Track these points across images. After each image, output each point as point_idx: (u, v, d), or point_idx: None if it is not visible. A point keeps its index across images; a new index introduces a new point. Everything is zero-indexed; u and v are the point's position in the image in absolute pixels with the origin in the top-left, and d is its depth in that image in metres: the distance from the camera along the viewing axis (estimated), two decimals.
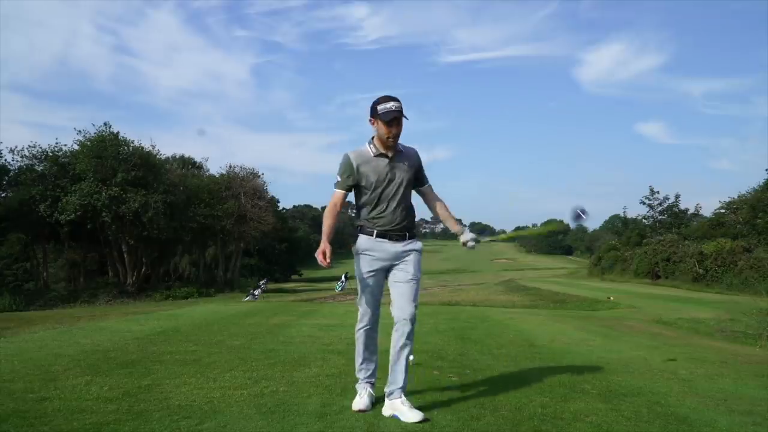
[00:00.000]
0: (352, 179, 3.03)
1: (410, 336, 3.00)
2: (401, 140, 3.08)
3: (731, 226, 32.38)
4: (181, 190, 31.02)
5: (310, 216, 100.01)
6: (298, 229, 71.14)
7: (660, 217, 41.99)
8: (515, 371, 4.23)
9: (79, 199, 25.66)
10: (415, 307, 3.03)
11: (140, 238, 28.48)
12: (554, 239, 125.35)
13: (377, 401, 3.10)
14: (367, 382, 3.14)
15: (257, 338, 5.75)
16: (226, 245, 37.48)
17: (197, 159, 39.74)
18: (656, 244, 33.87)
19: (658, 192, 41.57)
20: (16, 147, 27.44)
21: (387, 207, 3.06)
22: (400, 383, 2.97)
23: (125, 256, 29.41)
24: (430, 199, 3.36)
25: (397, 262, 3.08)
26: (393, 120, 2.93)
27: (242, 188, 34.82)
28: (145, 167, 28.13)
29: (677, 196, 41.31)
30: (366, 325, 3.10)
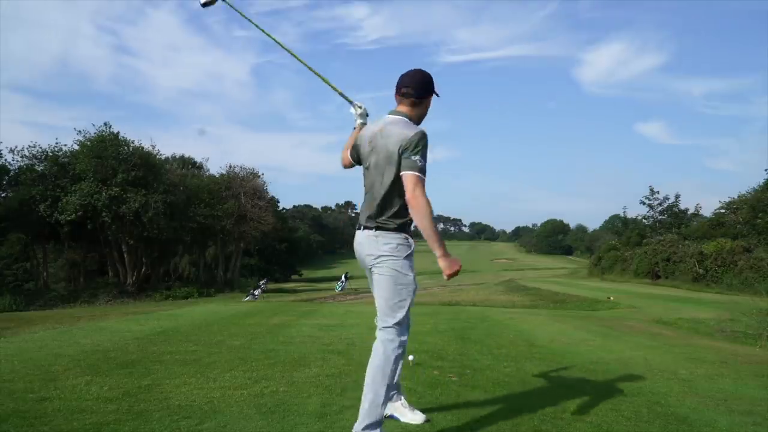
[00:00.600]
0: None
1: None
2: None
3: (731, 226, 32.38)
4: (181, 190, 31.02)
5: (310, 216, 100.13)
6: (298, 229, 71.20)
7: (660, 217, 42.01)
8: (515, 371, 4.23)
9: (79, 199, 25.66)
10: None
11: (140, 238, 28.49)
12: (554, 239, 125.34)
13: None
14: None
15: (257, 338, 5.74)
16: (226, 245, 37.48)
17: (197, 159, 39.88)
18: (656, 244, 33.87)
19: (658, 192, 41.69)
20: (16, 147, 27.51)
21: None
22: (399, 385, 2.93)
23: (125, 256, 29.40)
24: None
25: None
26: None
27: (242, 188, 34.83)
28: (145, 167, 28.13)
29: (677, 196, 41.42)
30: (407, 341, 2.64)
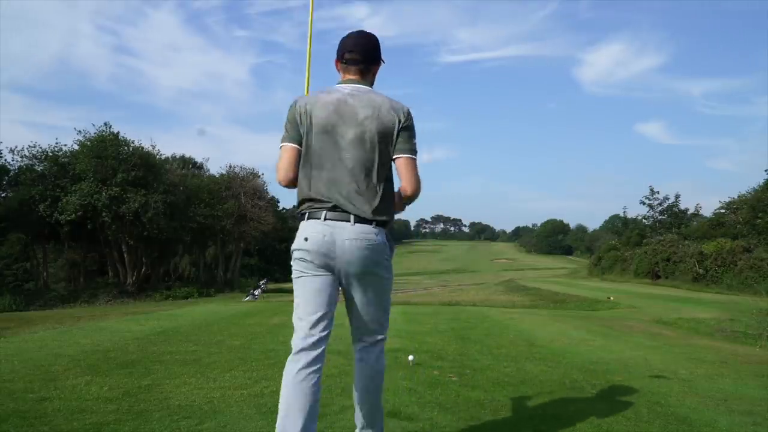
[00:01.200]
0: None
1: None
2: None
3: (731, 226, 32.38)
4: (181, 190, 31.02)
5: None
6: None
7: (660, 217, 42.03)
8: (515, 371, 4.23)
9: (79, 199, 25.66)
10: None
11: (140, 238, 28.48)
12: (554, 239, 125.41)
13: None
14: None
15: (257, 338, 5.75)
16: (226, 245, 37.48)
17: (197, 159, 39.90)
18: (656, 244, 33.87)
19: (658, 192, 41.73)
20: (16, 147, 27.62)
21: None
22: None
23: (125, 256, 29.41)
24: None
25: None
26: None
27: (242, 188, 34.84)
28: (145, 167, 28.13)
29: (677, 196, 41.45)
30: None
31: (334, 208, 2.07)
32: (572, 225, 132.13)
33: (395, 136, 2.13)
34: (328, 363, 4.26)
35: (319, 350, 2.10)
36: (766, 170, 38.49)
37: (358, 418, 2.31)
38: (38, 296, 26.00)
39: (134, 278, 29.59)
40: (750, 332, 7.81)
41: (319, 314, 2.12)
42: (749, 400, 3.55)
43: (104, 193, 26.00)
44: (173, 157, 37.83)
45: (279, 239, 51.01)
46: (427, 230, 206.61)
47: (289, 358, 2.11)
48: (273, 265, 51.97)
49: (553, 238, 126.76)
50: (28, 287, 29.25)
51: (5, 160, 27.03)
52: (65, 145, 28.49)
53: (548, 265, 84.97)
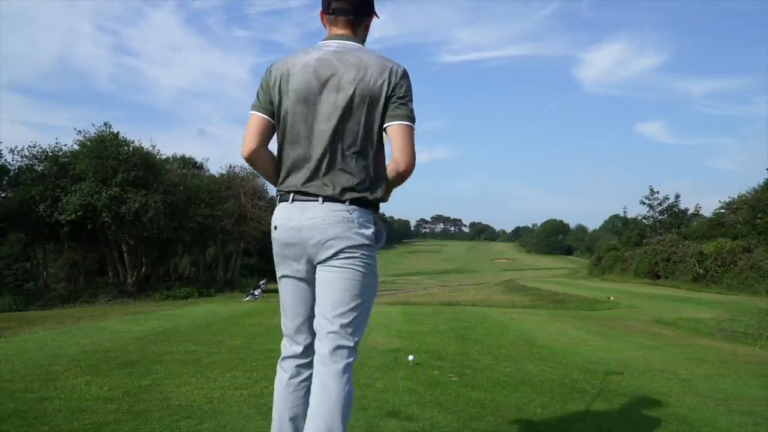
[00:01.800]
0: None
1: None
2: None
3: (731, 226, 32.38)
4: (181, 190, 31.02)
5: None
6: None
7: (660, 217, 42.02)
8: (515, 371, 4.23)
9: (79, 199, 25.66)
10: None
11: (140, 238, 28.47)
12: (554, 239, 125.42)
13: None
14: None
15: (257, 338, 5.75)
16: (226, 245, 37.47)
17: (197, 159, 39.87)
18: (656, 244, 33.87)
19: (658, 192, 41.73)
20: (16, 147, 27.55)
21: None
22: None
23: (125, 256, 29.41)
24: None
25: None
26: None
27: (242, 188, 34.83)
28: (145, 167, 28.13)
29: (677, 196, 41.44)
30: None
31: (305, 187, 1.78)
32: (572, 225, 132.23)
33: (383, 100, 1.77)
34: None
35: (308, 359, 1.87)
36: (766, 170, 38.62)
37: None
38: (38, 296, 26.00)
39: (134, 278, 29.58)
40: (750, 332, 7.81)
41: (301, 321, 1.88)
42: (749, 400, 3.55)
43: (104, 193, 26.00)
44: (173, 157, 37.84)
45: None
46: (427, 230, 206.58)
47: (279, 362, 1.92)
48: (273, 265, 51.84)
49: (553, 238, 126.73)
50: (28, 287, 29.24)
51: (5, 160, 27.04)
52: (65, 145, 28.49)
53: (548, 265, 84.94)
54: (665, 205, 41.68)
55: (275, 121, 1.84)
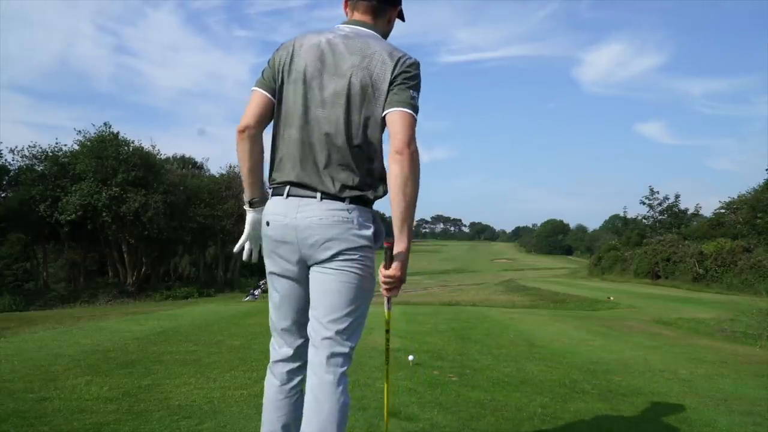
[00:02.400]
0: None
1: None
2: None
3: (731, 226, 32.38)
4: (181, 190, 31.02)
5: None
6: None
7: (660, 217, 42.05)
8: (515, 371, 4.23)
9: (79, 199, 25.68)
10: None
11: (140, 238, 28.48)
12: (554, 239, 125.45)
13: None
14: None
15: (257, 338, 5.74)
16: (226, 245, 37.44)
17: (197, 159, 39.86)
18: (656, 244, 33.88)
19: (658, 192, 41.79)
20: (16, 147, 27.57)
21: None
22: None
23: (125, 256, 29.41)
24: None
25: None
26: None
27: (242, 188, 34.84)
28: (145, 167, 28.14)
29: (677, 196, 41.48)
30: None
31: (301, 179, 1.67)
32: (572, 225, 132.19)
33: (386, 91, 1.63)
34: None
35: (298, 363, 1.79)
36: (766, 170, 38.56)
37: None
38: (38, 296, 26.00)
39: (134, 278, 29.59)
40: (750, 332, 7.82)
41: (290, 322, 1.79)
42: (749, 400, 3.55)
43: (104, 193, 26.01)
44: (173, 157, 37.85)
45: None
46: (427, 230, 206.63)
47: (268, 366, 1.83)
48: None
49: (553, 238, 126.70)
50: (28, 287, 29.24)
51: (5, 160, 27.06)
52: (65, 145, 28.52)
53: (548, 265, 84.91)
54: (665, 205, 41.76)
55: (275, 101, 1.75)
